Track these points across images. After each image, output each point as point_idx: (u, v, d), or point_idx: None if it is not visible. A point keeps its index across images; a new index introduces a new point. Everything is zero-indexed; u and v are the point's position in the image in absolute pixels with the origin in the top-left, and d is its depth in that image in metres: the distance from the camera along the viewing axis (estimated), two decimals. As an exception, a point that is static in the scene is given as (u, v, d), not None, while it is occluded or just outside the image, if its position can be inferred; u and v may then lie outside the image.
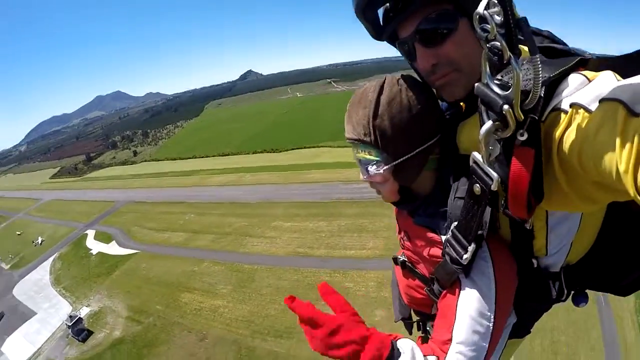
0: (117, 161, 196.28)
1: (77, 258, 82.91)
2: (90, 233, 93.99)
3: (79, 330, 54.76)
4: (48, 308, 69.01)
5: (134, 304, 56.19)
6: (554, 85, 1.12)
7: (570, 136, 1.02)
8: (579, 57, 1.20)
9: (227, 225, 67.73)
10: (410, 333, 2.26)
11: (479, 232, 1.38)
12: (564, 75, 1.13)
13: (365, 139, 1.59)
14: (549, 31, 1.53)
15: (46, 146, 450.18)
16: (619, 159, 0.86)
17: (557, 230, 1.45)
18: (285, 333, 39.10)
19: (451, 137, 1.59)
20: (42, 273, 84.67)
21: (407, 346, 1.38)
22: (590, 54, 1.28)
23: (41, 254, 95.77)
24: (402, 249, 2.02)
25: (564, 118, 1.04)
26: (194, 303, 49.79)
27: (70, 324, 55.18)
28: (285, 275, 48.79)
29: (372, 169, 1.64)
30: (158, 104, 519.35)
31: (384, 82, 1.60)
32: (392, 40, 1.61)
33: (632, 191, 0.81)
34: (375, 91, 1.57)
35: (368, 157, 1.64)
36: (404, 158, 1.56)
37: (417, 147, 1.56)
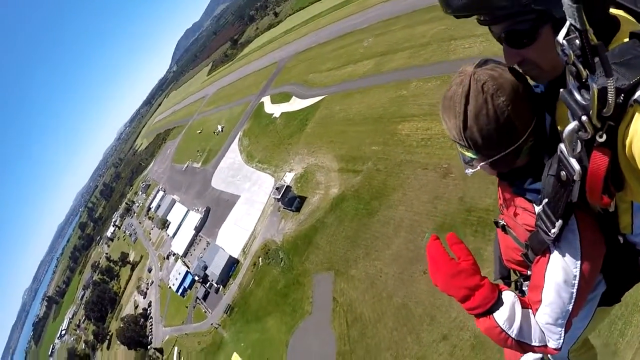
0: (261, 30, 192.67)
1: (262, 127, 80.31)
2: (266, 100, 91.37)
3: (290, 199, 49.27)
4: (250, 187, 66.02)
5: (343, 152, 48.95)
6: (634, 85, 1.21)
7: (628, 131, 1.20)
8: None
9: (420, 35, 54.95)
10: None
11: (566, 210, 1.57)
12: None
13: (460, 142, 1.80)
14: None
15: (192, 55, 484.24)
16: None
17: None
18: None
19: (547, 112, 1.78)
20: (232, 156, 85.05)
21: (509, 298, 1.79)
22: None
23: (225, 139, 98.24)
24: (501, 214, 2.26)
25: (629, 114, 1.19)
26: (418, 132, 40.46)
27: (278, 197, 49.89)
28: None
29: (469, 168, 1.94)
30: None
31: (469, 90, 1.69)
32: None
33: None
34: (462, 102, 1.70)
35: (466, 153, 1.86)
36: (497, 157, 1.76)
37: (509, 147, 1.73)
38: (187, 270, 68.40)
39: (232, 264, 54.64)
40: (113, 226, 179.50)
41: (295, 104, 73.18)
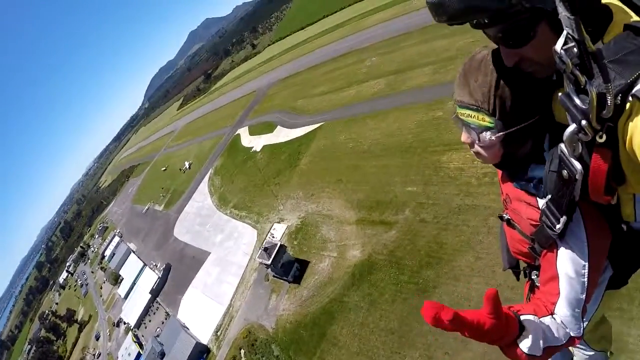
0: (237, 62, 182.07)
1: (238, 164, 66.54)
2: (243, 131, 78.80)
3: (285, 265, 33.85)
4: (223, 241, 50.39)
5: (360, 195, 35.70)
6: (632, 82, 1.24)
7: (628, 126, 1.22)
8: None
9: (442, 49, 45.53)
10: (518, 279, 2.65)
11: (570, 206, 1.60)
12: None
13: (482, 105, 1.74)
14: None
15: (164, 91, 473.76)
16: None
17: None
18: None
19: (546, 103, 1.77)
20: (200, 199, 70.16)
21: (530, 324, 1.66)
22: None
23: (193, 178, 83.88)
24: (505, 209, 2.28)
25: (628, 108, 1.22)
26: (476, 165, 28.38)
27: (268, 262, 34.00)
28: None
29: (484, 135, 1.81)
30: (250, 9, 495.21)
31: (500, 54, 1.68)
32: None
33: None
34: (496, 61, 1.70)
35: (481, 122, 1.79)
36: (517, 128, 1.74)
37: (530, 118, 1.74)
38: (138, 352, 51.29)
39: (200, 354, 38.27)
40: (66, 272, 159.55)
41: (281, 135, 60.30)
